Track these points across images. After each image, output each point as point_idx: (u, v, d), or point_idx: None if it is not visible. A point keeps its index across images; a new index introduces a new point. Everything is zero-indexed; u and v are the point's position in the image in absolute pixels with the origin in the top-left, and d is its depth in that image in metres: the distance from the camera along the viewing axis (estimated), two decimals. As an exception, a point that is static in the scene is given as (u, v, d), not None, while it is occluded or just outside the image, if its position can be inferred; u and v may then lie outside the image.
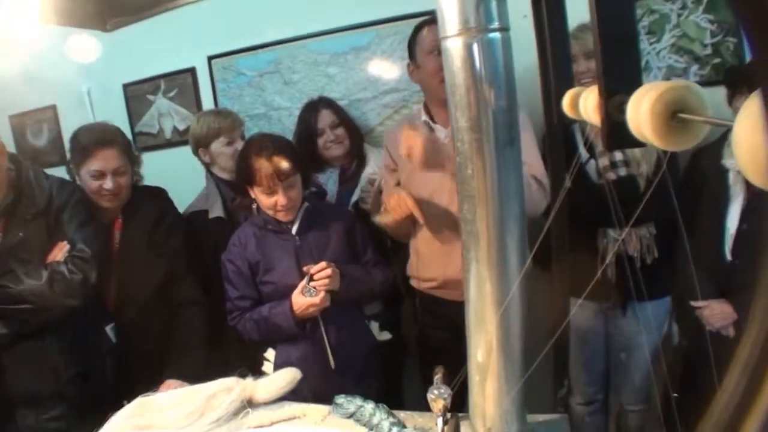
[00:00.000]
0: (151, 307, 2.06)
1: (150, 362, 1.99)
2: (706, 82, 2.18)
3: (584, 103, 0.71)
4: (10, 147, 3.38)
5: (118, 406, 1.49)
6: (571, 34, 1.70)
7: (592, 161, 1.98)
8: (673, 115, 0.48)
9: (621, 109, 0.55)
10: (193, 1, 1.91)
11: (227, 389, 1.52)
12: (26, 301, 1.74)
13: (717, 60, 2.20)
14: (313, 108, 2.45)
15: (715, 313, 1.89)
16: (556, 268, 1.27)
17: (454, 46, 0.91)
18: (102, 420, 1.44)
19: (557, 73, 0.96)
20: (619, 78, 0.53)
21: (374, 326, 2.02)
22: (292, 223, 1.89)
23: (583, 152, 1.94)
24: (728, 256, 1.88)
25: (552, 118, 1.08)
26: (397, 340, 2.18)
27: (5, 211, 1.78)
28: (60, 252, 1.84)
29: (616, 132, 0.55)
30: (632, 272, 1.76)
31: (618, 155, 1.95)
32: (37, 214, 1.82)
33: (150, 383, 1.67)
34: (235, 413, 1.49)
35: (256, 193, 1.84)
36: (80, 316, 1.88)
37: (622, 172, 1.94)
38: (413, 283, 2.06)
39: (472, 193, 0.96)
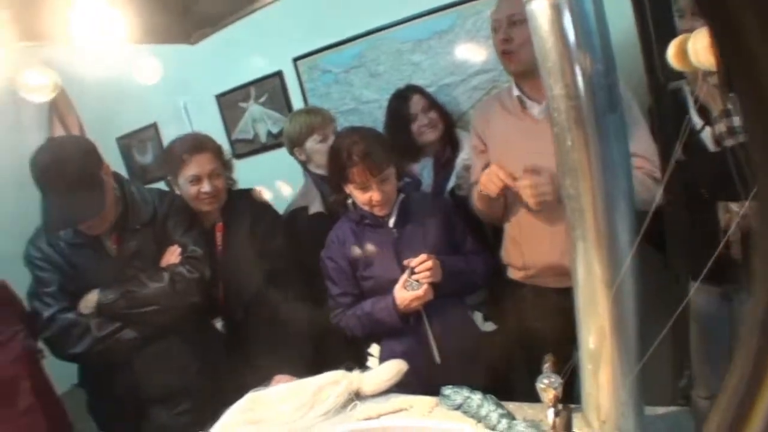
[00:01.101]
0: (256, 305, 2.13)
1: (258, 358, 2.05)
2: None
3: (694, 47, 0.62)
4: (120, 167, 3.65)
5: (236, 398, 1.55)
6: None
7: (707, 128, 1.79)
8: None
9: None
10: (269, 3, 1.94)
11: (335, 382, 1.55)
12: (152, 303, 1.87)
13: None
14: (402, 96, 2.44)
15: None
16: (671, 247, 1.15)
17: (539, 9, 0.84)
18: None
19: (659, 29, 0.86)
20: None
21: (478, 317, 1.97)
22: (388, 216, 1.88)
23: (696, 119, 1.77)
24: None
25: (657, 80, 0.98)
26: (504, 331, 2.11)
27: (116, 225, 1.91)
28: (173, 256, 1.97)
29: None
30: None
31: (737, 119, 1.76)
32: (144, 225, 1.95)
33: (260, 379, 1.71)
34: (343, 406, 1.50)
35: (351, 189, 1.84)
36: (195, 315, 2.00)
37: (744, 137, 1.75)
38: (510, 272, 1.98)
39: (574, 166, 0.89)
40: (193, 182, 2.07)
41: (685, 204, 1.17)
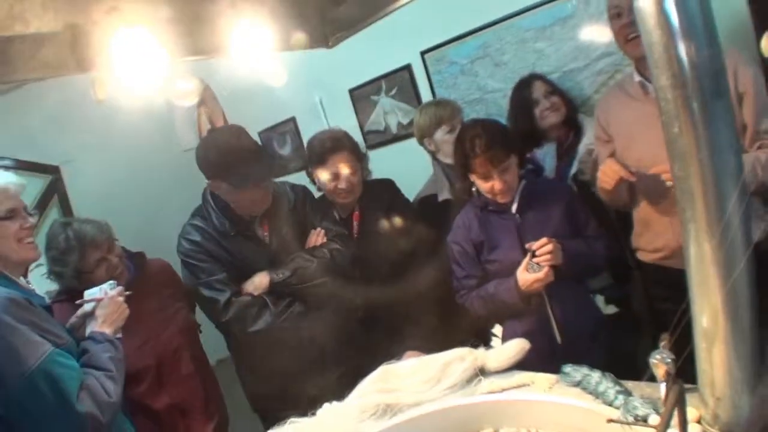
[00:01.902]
0: (390, 286, 2.24)
1: (392, 334, 2.16)
2: None
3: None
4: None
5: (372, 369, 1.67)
6: None
7: None
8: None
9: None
10: (399, 7, 2.07)
11: (461, 358, 1.62)
12: (319, 276, 2.09)
13: None
14: (525, 83, 2.48)
15: None
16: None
17: (646, 4, 0.89)
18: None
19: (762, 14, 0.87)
20: None
21: (600, 300, 1.98)
22: (511, 202, 1.93)
23: None
24: None
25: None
26: (627, 314, 2.10)
27: (267, 213, 2.15)
28: (319, 237, 2.19)
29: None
30: None
31: None
32: (287, 213, 2.18)
33: (393, 353, 1.82)
34: (468, 381, 1.57)
35: (474, 178, 1.93)
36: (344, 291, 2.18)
37: None
38: (640, 255, 1.97)
39: (683, 150, 0.93)
40: (330, 179, 2.25)
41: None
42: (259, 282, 2.08)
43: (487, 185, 1.88)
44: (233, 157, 1.99)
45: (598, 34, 2.51)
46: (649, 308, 2.02)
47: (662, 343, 1.14)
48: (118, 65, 1.56)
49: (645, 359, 1.11)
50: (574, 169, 2.31)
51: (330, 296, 2.13)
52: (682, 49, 0.87)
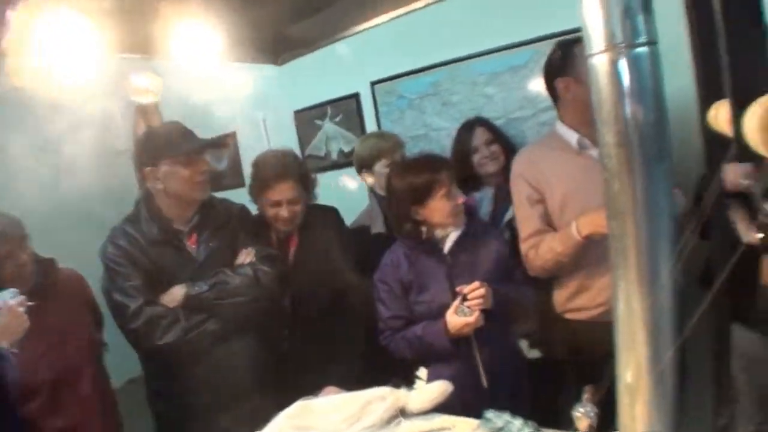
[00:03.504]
0: (318, 320, 2.21)
1: (315, 368, 2.13)
2: None
3: (717, 116, 0.69)
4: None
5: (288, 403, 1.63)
6: None
7: None
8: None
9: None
10: (355, 33, 2.07)
11: (382, 398, 1.59)
12: (239, 294, 2.00)
13: None
14: (468, 127, 2.52)
15: None
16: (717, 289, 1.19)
17: (600, 63, 0.91)
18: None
19: (707, 86, 0.92)
20: (748, 90, 0.52)
21: (524, 344, 2.00)
22: (443, 243, 1.93)
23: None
24: None
25: (708, 135, 1.03)
26: (550, 360, 2.13)
27: (197, 225, 2.07)
28: (248, 256, 2.10)
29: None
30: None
31: None
32: (219, 228, 2.10)
33: (311, 388, 1.78)
34: (388, 421, 1.55)
35: (438, 199, 1.88)
36: (268, 318, 2.12)
37: None
38: (571, 315, 1.99)
39: (621, 208, 0.95)
40: (272, 205, 2.20)
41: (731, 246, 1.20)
42: (176, 294, 1.98)
43: (450, 204, 1.87)
44: (174, 133, 2.00)
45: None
46: (571, 357, 2.06)
47: (585, 396, 1.16)
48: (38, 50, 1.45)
49: (566, 406, 1.13)
50: (509, 216, 2.33)
51: (251, 319, 2.05)
52: (630, 110, 0.90)
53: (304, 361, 2.18)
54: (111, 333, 2.13)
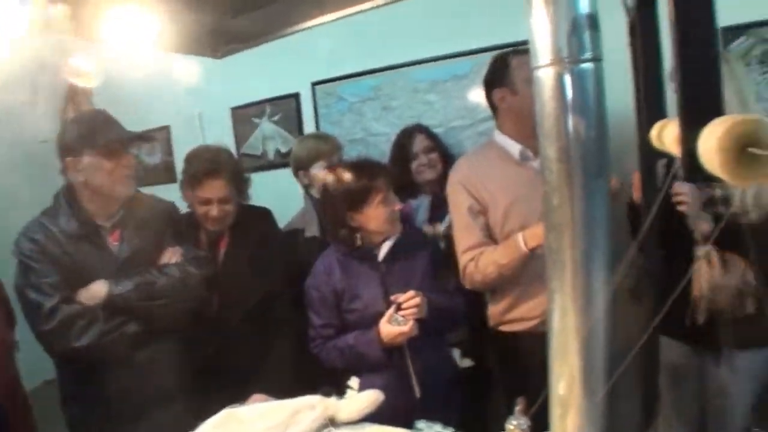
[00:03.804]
0: (247, 323, 2.14)
1: (239, 375, 2.04)
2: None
3: (665, 135, 0.70)
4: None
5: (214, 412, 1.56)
6: None
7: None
8: (743, 150, 0.47)
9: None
10: (300, 30, 2.01)
11: (311, 406, 1.55)
12: (164, 296, 1.89)
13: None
14: (408, 133, 2.52)
15: None
16: (646, 303, 1.23)
17: (545, 76, 0.92)
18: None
19: (648, 105, 0.94)
20: (700, 110, 0.53)
21: (456, 353, 2.01)
22: (378, 250, 1.91)
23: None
24: None
25: (645, 152, 1.06)
26: (482, 368, 2.15)
27: (120, 221, 1.95)
28: (174, 255, 1.99)
29: (696, 165, 0.54)
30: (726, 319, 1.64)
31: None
32: (144, 225, 1.98)
33: (238, 396, 1.73)
34: (318, 430, 1.51)
35: (375, 205, 1.86)
36: (194, 319, 2.01)
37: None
38: (506, 327, 2.00)
39: (559, 221, 0.96)
40: (202, 203, 2.12)
41: (668, 262, 1.24)
42: (96, 291, 1.84)
43: (387, 211, 1.86)
44: (97, 122, 1.90)
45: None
46: (503, 368, 2.09)
47: (518, 408, 1.17)
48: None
49: (497, 415, 1.13)
50: (445, 224, 2.34)
51: (175, 322, 1.94)
52: (572, 124, 0.91)
53: (230, 367, 2.09)
54: (26, 330, 1.95)
